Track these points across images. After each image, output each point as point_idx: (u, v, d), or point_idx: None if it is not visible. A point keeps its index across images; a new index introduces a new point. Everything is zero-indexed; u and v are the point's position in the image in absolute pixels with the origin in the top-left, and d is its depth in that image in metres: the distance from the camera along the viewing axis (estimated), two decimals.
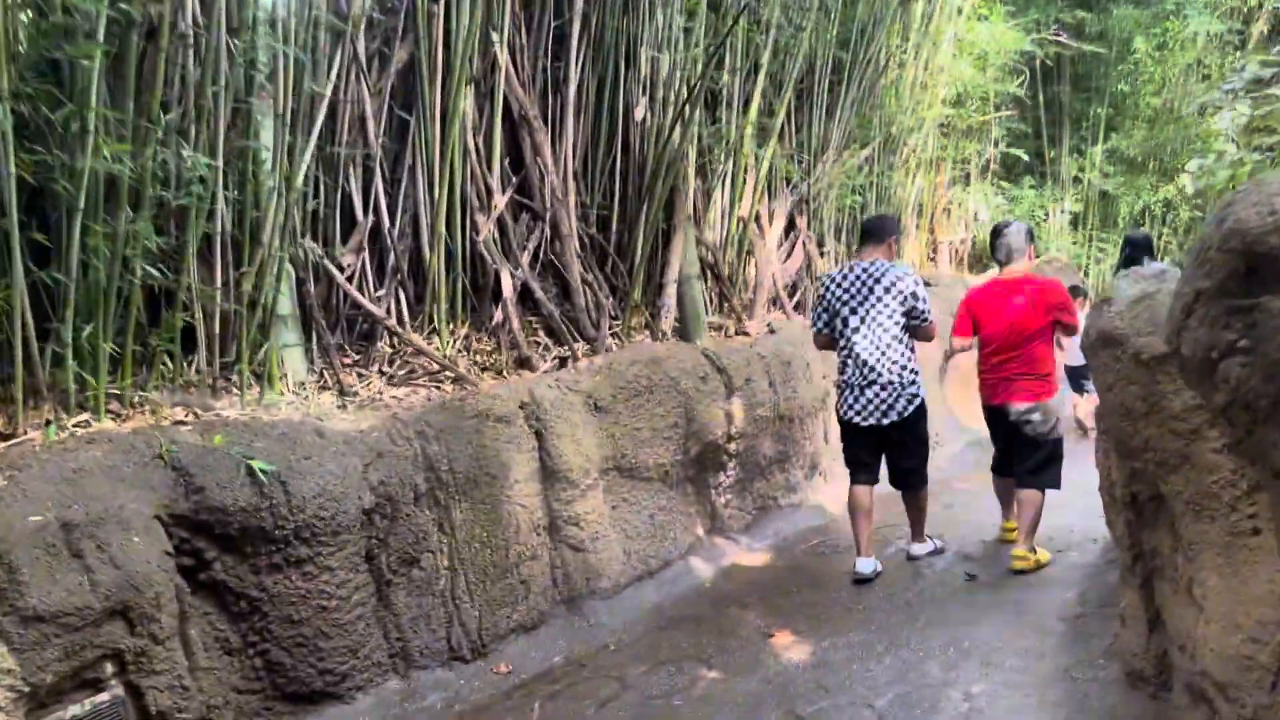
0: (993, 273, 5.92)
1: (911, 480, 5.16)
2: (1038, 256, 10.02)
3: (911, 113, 9.91)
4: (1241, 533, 2.44)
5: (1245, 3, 12.56)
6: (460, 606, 4.33)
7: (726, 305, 7.24)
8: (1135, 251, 6.64)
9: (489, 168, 5.83)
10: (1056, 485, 5.07)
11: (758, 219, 7.77)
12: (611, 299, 6.26)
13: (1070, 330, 5.00)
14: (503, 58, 5.68)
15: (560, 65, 6.13)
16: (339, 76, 5.05)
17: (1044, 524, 5.13)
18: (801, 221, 8.31)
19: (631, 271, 6.30)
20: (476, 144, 5.78)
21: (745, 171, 7.55)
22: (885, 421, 4.95)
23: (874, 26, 8.92)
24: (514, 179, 5.99)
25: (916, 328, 5.00)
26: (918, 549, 5.32)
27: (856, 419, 5.02)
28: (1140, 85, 13.13)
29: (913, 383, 4.98)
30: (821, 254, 8.55)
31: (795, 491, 6.61)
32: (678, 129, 6.17)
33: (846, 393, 5.06)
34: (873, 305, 4.91)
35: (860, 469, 5.13)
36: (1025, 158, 12.51)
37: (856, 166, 8.85)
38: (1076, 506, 5.62)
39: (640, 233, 6.28)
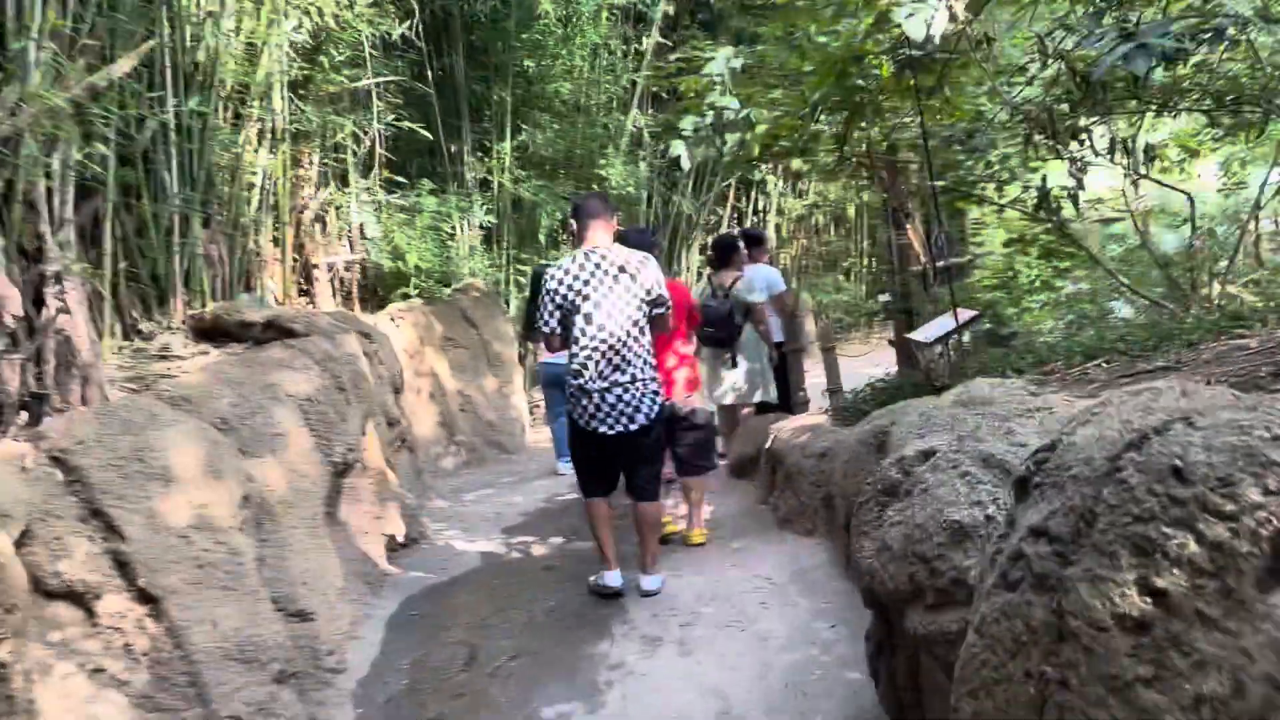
0: None
1: (650, 490, 4.61)
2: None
3: (235, 24, 5.62)
4: None
5: None
6: None
7: None
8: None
9: None
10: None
11: None
12: None
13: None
14: None
15: None
16: None
17: None
18: None
19: None
20: None
21: None
22: (633, 427, 4.39)
23: None
24: None
25: (658, 318, 4.48)
26: (651, 582, 4.52)
27: (602, 428, 4.39)
28: (548, 68, 10.58)
29: (654, 378, 4.48)
30: (30, 261, 3.81)
31: None
32: None
33: (584, 399, 4.38)
34: (620, 295, 4.33)
35: (599, 483, 4.60)
36: (428, 137, 9.00)
37: (108, 84, 4.26)
38: None
39: None
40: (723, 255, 7.02)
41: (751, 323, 7.01)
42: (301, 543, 3.76)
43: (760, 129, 5.31)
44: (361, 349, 6.32)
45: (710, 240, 8.27)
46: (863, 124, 5.80)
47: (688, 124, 5.39)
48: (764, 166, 11.69)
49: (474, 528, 6.44)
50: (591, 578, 4.59)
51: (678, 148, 5.38)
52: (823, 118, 5.66)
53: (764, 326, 6.99)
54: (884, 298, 16.78)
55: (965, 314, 4.67)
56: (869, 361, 9.98)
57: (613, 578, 4.50)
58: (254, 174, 6.32)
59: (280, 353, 4.15)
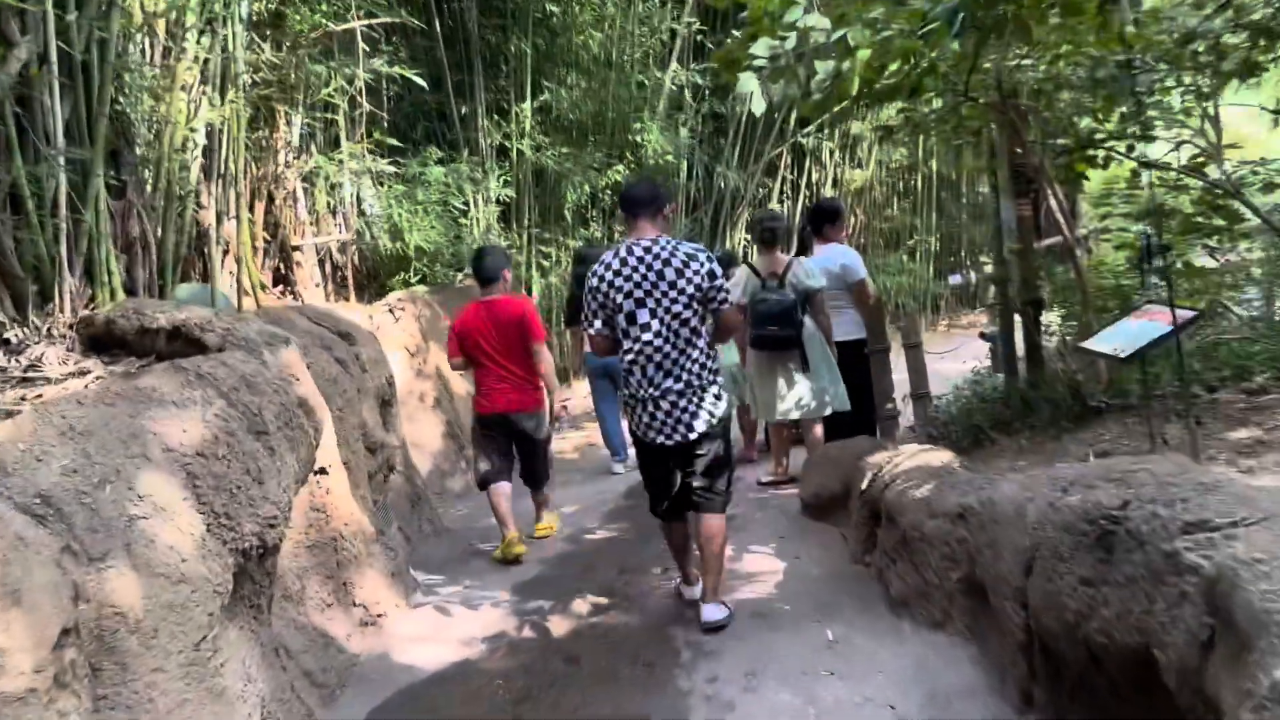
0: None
1: (714, 504, 4.10)
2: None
3: None
4: None
5: None
6: None
7: None
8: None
9: None
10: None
11: None
12: None
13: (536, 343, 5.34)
14: None
15: None
16: None
17: None
18: None
19: None
20: None
21: None
22: (691, 436, 4.00)
23: None
24: None
25: (718, 316, 4.01)
26: (714, 614, 3.96)
27: (659, 438, 4.03)
28: (574, 16, 9.09)
29: (715, 383, 4.04)
30: None
31: None
32: None
33: (639, 409, 4.06)
34: (665, 293, 3.90)
35: (671, 501, 4.17)
36: (423, 87, 7.58)
37: None
38: None
39: None
40: (773, 234, 5.68)
41: (810, 315, 5.56)
42: (173, 692, 2.35)
43: (862, 54, 3.81)
44: (334, 356, 4.96)
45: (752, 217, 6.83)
46: (992, 54, 4.29)
47: (762, 48, 3.91)
48: (820, 130, 10.12)
49: (478, 583, 5.06)
50: (674, 580, 4.47)
51: (748, 83, 3.90)
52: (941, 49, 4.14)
53: (824, 318, 5.54)
54: (954, 279, 15.15)
55: (1183, 314, 3.17)
56: (955, 358, 8.46)
57: (693, 592, 4.27)
58: (193, 130, 4.92)
59: (163, 380, 2.74)
